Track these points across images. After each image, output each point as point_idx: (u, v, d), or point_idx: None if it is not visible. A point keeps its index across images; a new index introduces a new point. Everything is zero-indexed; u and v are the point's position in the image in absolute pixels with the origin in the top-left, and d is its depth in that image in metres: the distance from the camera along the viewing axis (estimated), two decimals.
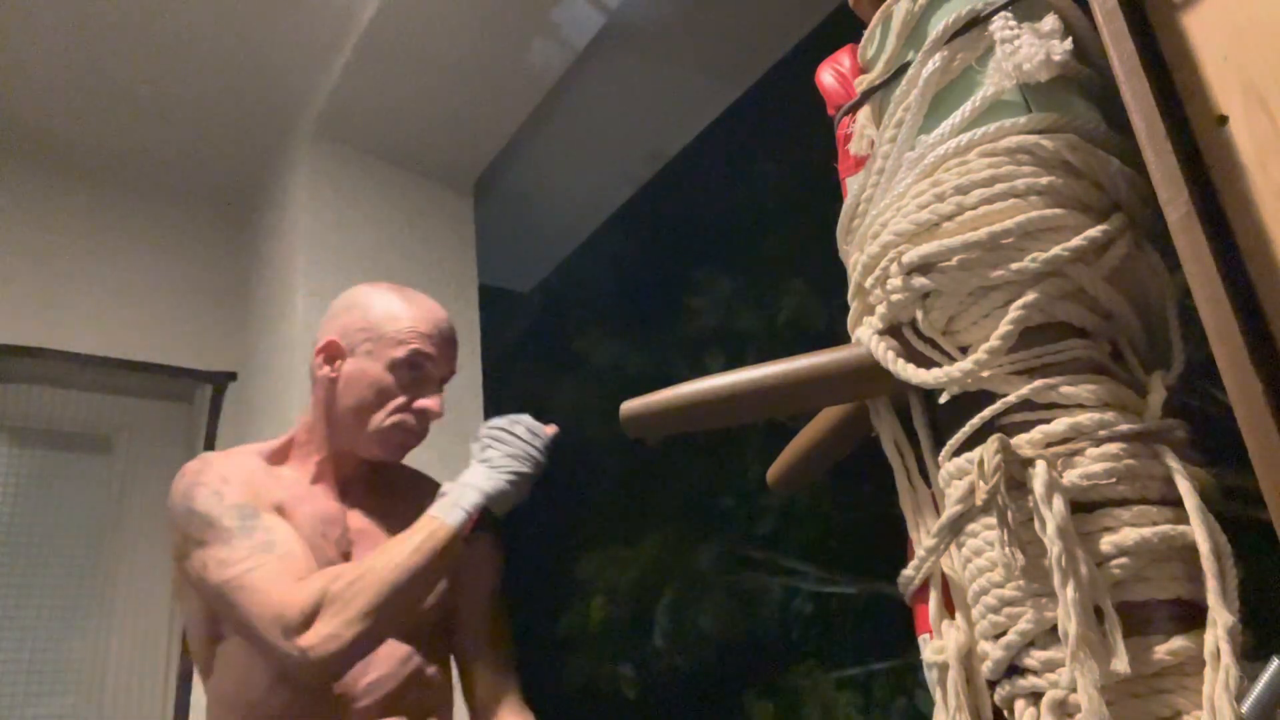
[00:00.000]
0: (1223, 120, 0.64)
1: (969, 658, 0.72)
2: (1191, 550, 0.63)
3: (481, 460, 1.13)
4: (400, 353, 1.18)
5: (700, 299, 4.36)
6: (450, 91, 2.62)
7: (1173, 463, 0.66)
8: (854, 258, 0.85)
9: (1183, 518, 0.65)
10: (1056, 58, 0.72)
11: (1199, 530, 0.63)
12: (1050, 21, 0.75)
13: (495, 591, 1.26)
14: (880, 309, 0.80)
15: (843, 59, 0.98)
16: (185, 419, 2.82)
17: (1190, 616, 0.64)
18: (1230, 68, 0.63)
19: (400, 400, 1.18)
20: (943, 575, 0.76)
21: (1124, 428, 0.67)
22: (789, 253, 4.17)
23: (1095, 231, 0.70)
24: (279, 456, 1.24)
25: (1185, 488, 0.64)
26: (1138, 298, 0.73)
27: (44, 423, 2.59)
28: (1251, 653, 0.61)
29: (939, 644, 0.73)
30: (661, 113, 2.98)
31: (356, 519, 1.20)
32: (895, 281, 0.77)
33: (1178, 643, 0.63)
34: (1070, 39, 0.73)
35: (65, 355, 2.56)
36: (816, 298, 3.95)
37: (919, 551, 0.76)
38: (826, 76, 0.98)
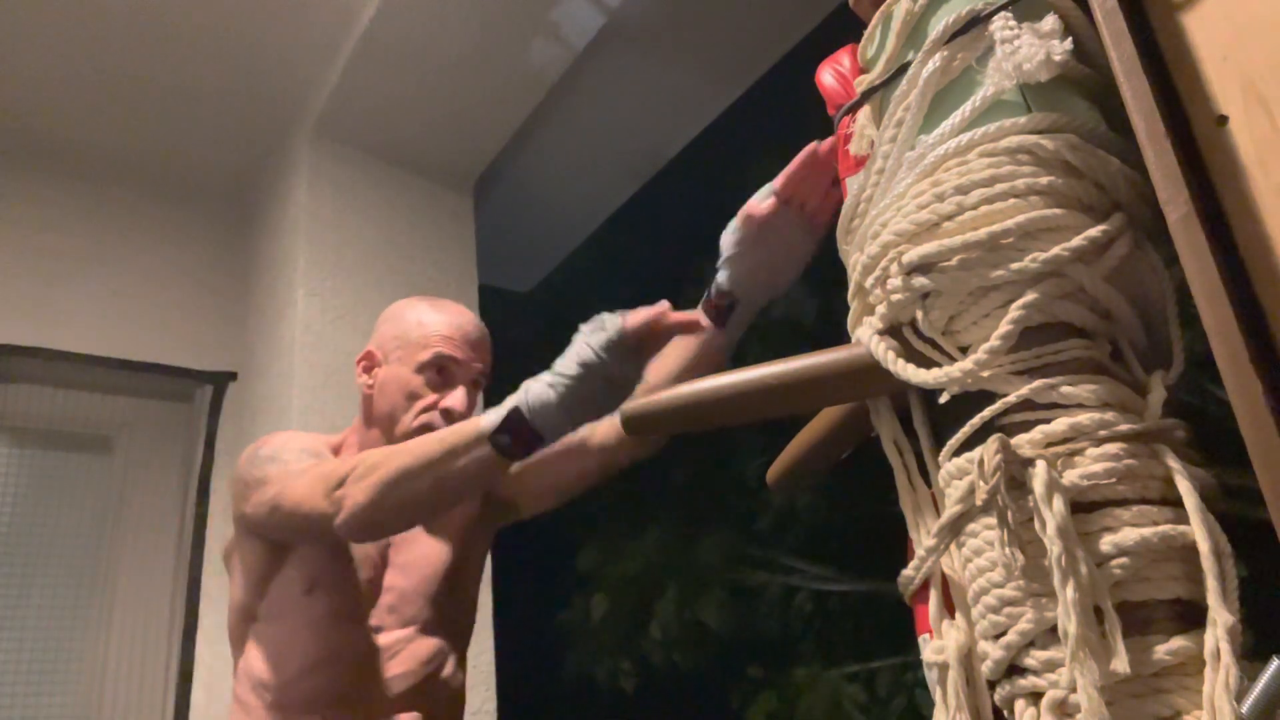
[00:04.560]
0: (1223, 120, 0.63)
1: (969, 658, 0.72)
2: (1191, 550, 0.63)
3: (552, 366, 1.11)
4: (425, 355, 1.25)
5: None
6: (450, 91, 2.62)
7: (1173, 463, 0.66)
8: (854, 258, 0.84)
9: (1183, 518, 0.64)
10: (1056, 58, 0.72)
11: (1199, 530, 0.63)
12: (1050, 21, 0.74)
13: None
14: (880, 309, 0.80)
15: (843, 59, 0.98)
16: (185, 419, 2.82)
17: (1190, 616, 0.64)
18: (1230, 68, 0.63)
19: (428, 400, 1.25)
20: (943, 575, 0.76)
21: (1124, 428, 0.67)
22: None
23: (1095, 231, 0.70)
24: (333, 449, 1.32)
25: (1185, 488, 0.64)
26: (1138, 298, 0.73)
27: (44, 423, 2.58)
28: (1251, 653, 0.61)
29: (939, 644, 0.73)
30: (661, 113, 2.98)
31: None
32: (895, 281, 0.76)
33: (1178, 643, 0.63)
34: (1070, 39, 0.73)
35: (65, 355, 2.56)
36: (815, 297, 3.94)
37: (919, 551, 0.76)
38: (826, 76, 0.98)
